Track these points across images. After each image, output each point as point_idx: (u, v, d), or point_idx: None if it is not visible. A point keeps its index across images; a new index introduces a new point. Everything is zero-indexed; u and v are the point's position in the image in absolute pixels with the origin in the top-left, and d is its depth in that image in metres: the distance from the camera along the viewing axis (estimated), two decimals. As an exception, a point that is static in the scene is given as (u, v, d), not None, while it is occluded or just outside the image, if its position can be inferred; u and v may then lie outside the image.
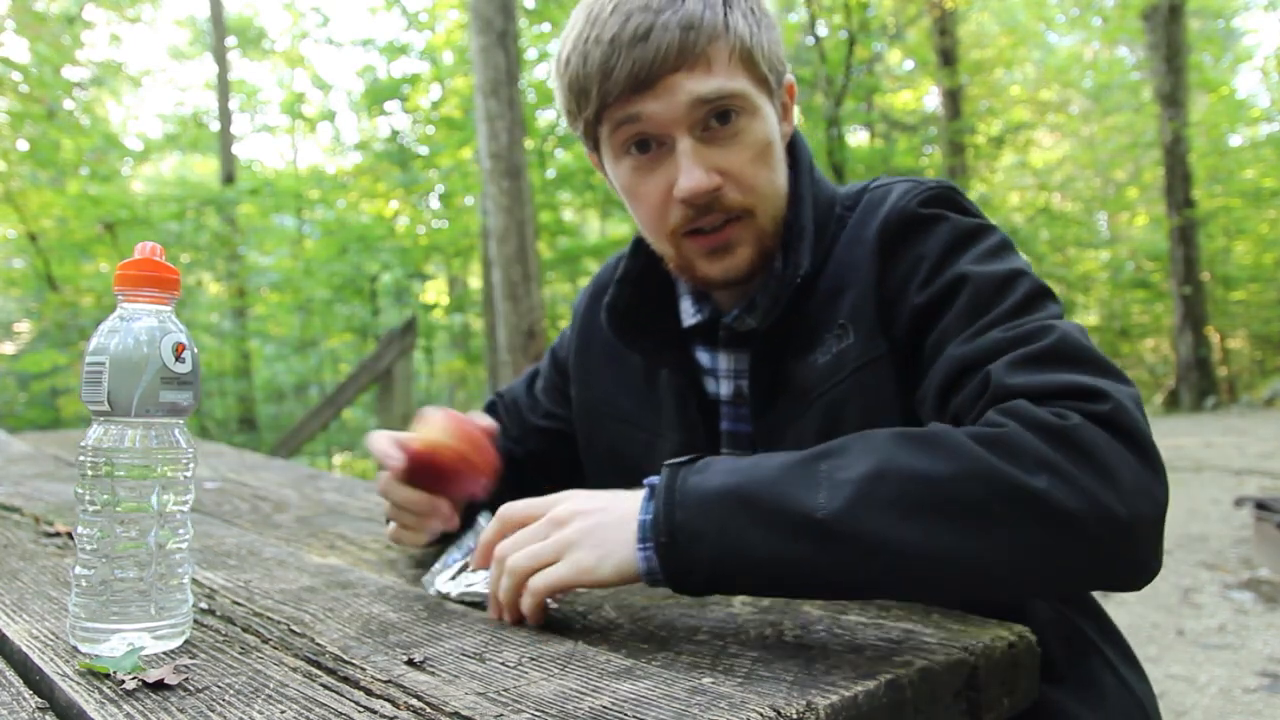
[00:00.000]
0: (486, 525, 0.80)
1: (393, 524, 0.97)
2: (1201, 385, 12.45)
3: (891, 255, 0.87)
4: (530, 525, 0.75)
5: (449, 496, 0.91)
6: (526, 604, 0.72)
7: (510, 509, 0.78)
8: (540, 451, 1.16)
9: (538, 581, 0.71)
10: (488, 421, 0.93)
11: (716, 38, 0.84)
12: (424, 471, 0.89)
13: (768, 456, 0.70)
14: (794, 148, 0.97)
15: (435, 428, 0.89)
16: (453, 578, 0.84)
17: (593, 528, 0.71)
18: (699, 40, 0.83)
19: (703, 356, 1.02)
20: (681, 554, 0.68)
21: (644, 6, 0.83)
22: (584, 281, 14.81)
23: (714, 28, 0.83)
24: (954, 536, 0.61)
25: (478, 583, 0.81)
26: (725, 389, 1.00)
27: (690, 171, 0.85)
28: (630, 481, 1.09)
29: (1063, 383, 0.67)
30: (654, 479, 0.72)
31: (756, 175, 0.88)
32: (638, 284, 1.01)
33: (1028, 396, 0.67)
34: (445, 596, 0.83)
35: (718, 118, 0.86)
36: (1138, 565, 0.64)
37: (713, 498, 0.67)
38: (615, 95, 0.85)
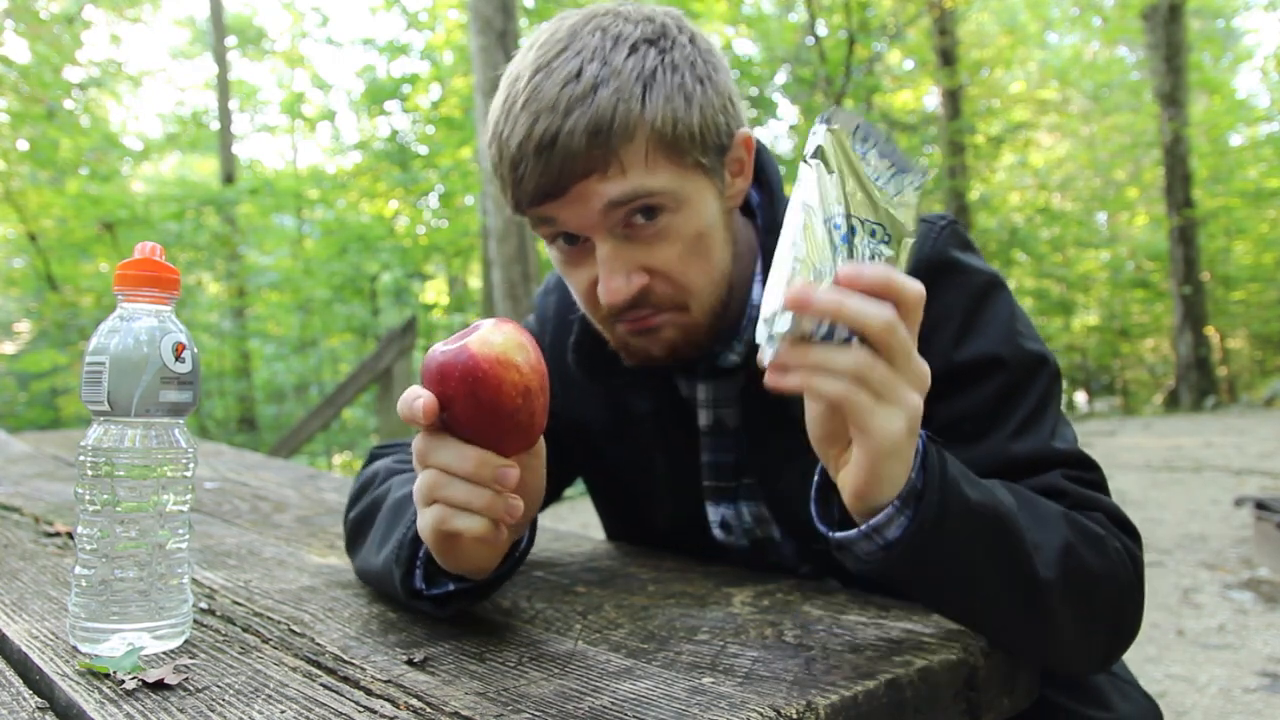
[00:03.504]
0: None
1: (425, 513, 0.67)
2: (1201, 385, 12.45)
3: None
4: (907, 340, 0.60)
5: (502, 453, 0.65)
6: (831, 387, 0.59)
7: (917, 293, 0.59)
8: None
9: (879, 422, 0.59)
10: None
11: (629, 138, 0.77)
12: (469, 392, 0.62)
13: (986, 480, 0.68)
14: (759, 172, 0.93)
15: (481, 333, 0.64)
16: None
17: (917, 420, 0.61)
18: (610, 143, 0.76)
19: (679, 384, 0.98)
20: (926, 556, 0.63)
21: (552, 106, 0.76)
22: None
23: (626, 127, 0.76)
24: (1088, 619, 0.72)
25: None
26: (704, 419, 0.97)
27: (610, 279, 0.81)
28: (630, 498, 1.09)
29: (1122, 514, 0.79)
30: (923, 440, 0.65)
31: (687, 271, 0.83)
32: None
33: (1105, 515, 0.78)
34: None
35: (641, 213, 0.80)
36: (1110, 664, 0.82)
37: (976, 512, 0.64)
38: (527, 202, 0.81)
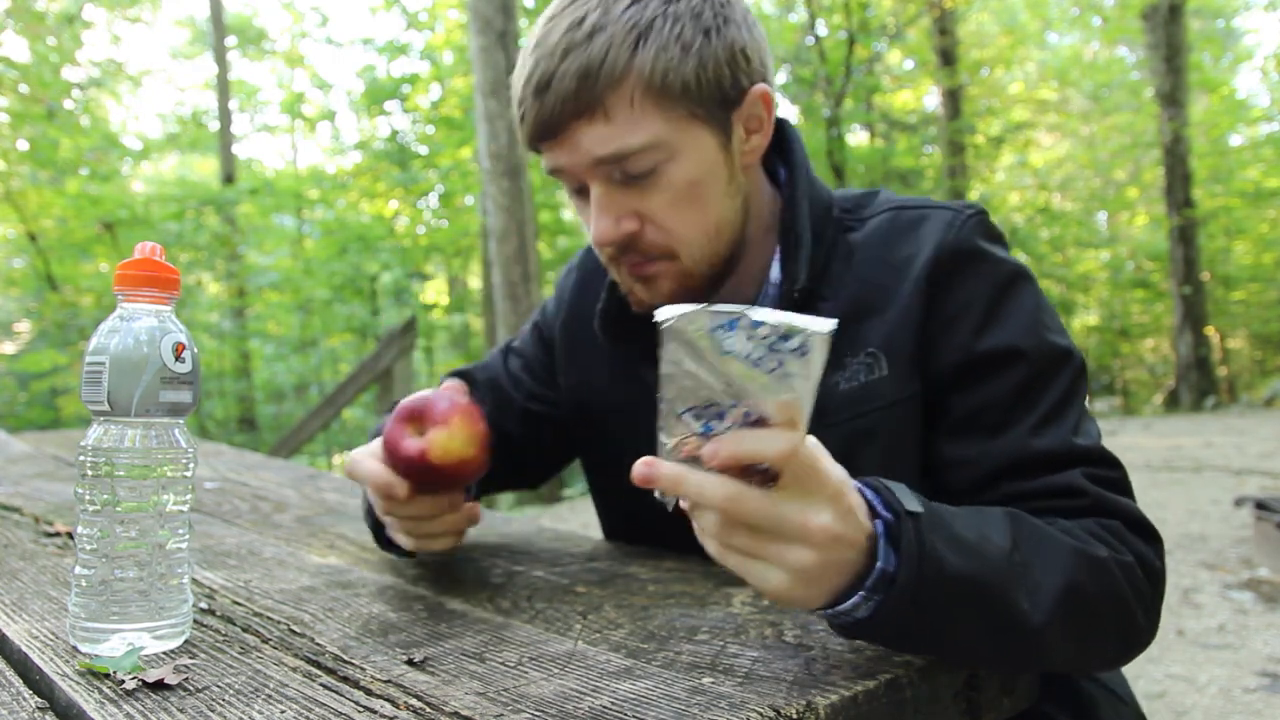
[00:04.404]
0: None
1: (402, 537, 0.87)
2: (1201, 385, 12.45)
3: (940, 290, 0.85)
4: (762, 509, 0.58)
5: (454, 493, 0.85)
6: (727, 559, 0.61)
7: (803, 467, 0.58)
8: (521, 435, 1.11)
9: (768, 585, 0.60)
10: (463, 388, 0.87)
11: (616, 84, 0.79)
12: (432, 482, 0.80)
13: (979, 530, 0.66)
14: (786, 152, 0.94)
15: (455, 435, 0.79)
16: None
17: (817, 568, 0.59)
18: (595, 88, 0.79)
19: None
20: (903, 629, 0.63)
21: (551, 51, 0.81)
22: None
23: (613, 72, 0.79)
24: (1093, 649, 0.72)
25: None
26: None
27: (598, 220, 0.85)
28: (634, 486, 1.09)
29: (1140, 517, 0.78)
30: (885, 512, 0.63)
31: (678, 219, 0.85)
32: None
33: (1123, 520, 0.77)
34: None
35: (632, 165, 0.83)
36: (1126, 663, 0.79)
37: (958, 584, 0.62)
38: (530, 142, 0.86)
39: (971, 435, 0.82)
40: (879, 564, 0.61)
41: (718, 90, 0.83)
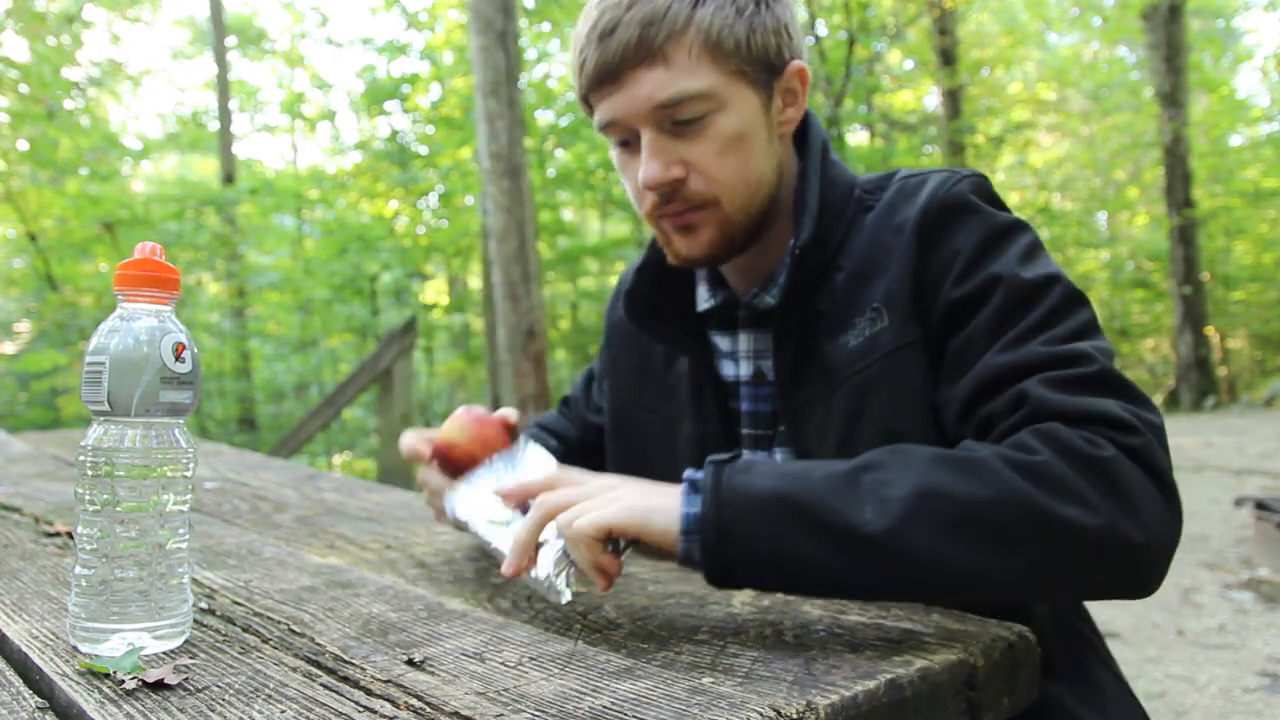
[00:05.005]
0: (524, 451, 0.87)
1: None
2: (1201, 385, 12.45)
3: (931, 241, 0.87)
4: (574, 488, 0.76)
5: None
6: (581, 555, 0.71)
7: (554, 476, 0.80)
8: (594, 444, 1.23)
9: (583, 522, 0.70)
10: (510, 415, 1.00)
11: (677, 33, 0.85)
12: (443, 463, 0.98)
13: (809, 465, 0.72)
14: (805, 130, 0.98)
15: (453, 426, 0.98)
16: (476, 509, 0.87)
17: (641, 492, 0.73)
18: (658, 36, 0.85)
19: (720, 341, 1.04)
20: (727, 552, 0.69)
21: (618, 2, 0.86)
22: (584, 282, 14.89)
23: (675, 23, 0.85)
24: (987, 557, 0.67)
25: (495, 531, 0.84)
26: (745, 370, 1.01)
27: (648, 164, 0.89)
28: (649, 468, 1.11)
29: (1099, 410, 0.72)
30: (694, 473, 0.73)
31: (722, 167, 0.90)
32: (655, 272, 1.04)
33: (1064, 419, 0.71)
34: (459, 525, 0.87)
35: (685, 111, 0.88)
36: (1142, 585, 0.72)
37: (763, 502, 0.69)
38: (586, 89, 0.90)
39: (957, 373, 0.83)
40: (684, 509, 0.71)
41: (764, 55, 0.89)
